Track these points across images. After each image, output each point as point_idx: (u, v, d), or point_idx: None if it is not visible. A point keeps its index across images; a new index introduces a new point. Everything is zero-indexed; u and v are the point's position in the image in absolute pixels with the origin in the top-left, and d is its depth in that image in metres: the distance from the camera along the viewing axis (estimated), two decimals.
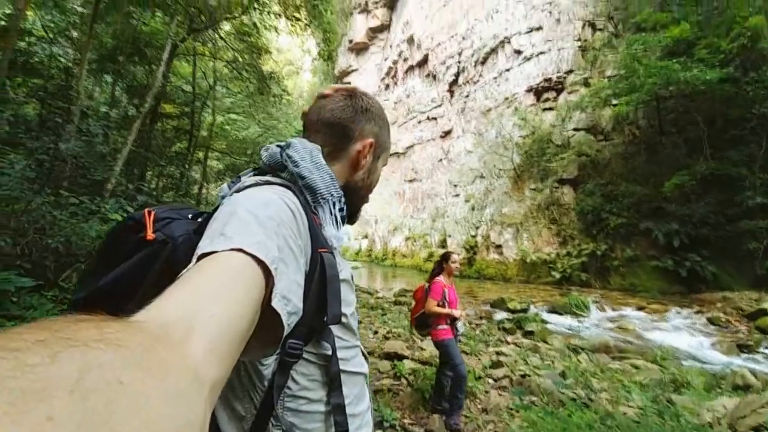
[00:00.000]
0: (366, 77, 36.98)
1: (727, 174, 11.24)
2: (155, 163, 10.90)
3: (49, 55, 9.28)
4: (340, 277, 0.67)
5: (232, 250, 0.44)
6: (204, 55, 13.74)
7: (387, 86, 34.35)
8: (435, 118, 27.17)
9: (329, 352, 0.64)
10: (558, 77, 18.00)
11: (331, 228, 0.67)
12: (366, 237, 31.57)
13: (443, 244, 21.25)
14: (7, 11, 10.09)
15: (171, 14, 9.33)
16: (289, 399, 0.61)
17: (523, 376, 4.37)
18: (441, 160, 25.80)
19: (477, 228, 18.94)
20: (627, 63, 12.86)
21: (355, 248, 31.90)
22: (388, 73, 33.92)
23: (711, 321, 8.47)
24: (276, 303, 0.45)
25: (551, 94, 18.43)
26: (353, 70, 38.13)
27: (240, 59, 13.14)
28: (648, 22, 12.96)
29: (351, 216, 0.81)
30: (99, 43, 9.95)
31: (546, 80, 18.39)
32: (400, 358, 4.43)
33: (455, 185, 22.14)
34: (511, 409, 3.45)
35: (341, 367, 0.65)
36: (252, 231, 0.48)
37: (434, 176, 26.23)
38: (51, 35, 9.54)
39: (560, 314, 9.73)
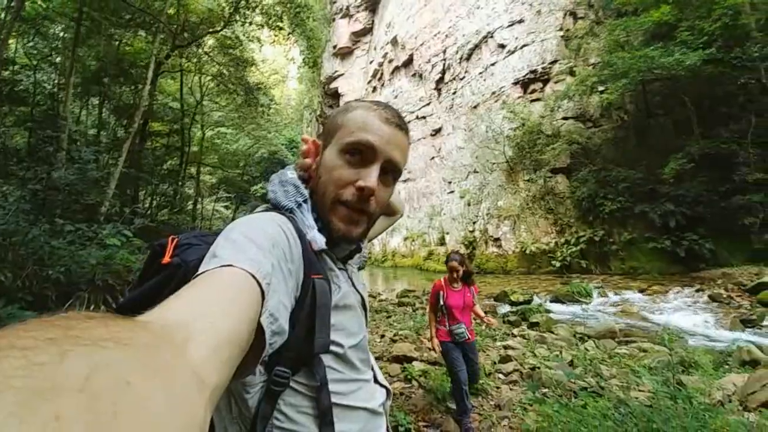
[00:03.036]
0: (352, 81, 36.97)
1: (718, 152, 11.32)
2: (147, 182, 10.86)
3: (33, 83, 9.23)
4: (343, 303, 0.68)
5: (222, 266, 0.45)
6: (190, 71, 13.73)
7: (374, 89, 34.37)
8: (424, 117, 27.21)
9: (318, 384, 0.61)
10: (543, 68, 18.10)
11: (309, 231, 0.66)
12: None
13: (442, 241, 21.27)
14: None
15: (153, 33, 9.30)
16: (278, 430, 0.59)
17: (532, 369, 4.39)
18: (433, 158, 25.84)
19: (474, 223, 18.98)
20: (610, 49, 12.95)
21: None
22: (374, 76, 33.93)
23: (712, 298, 8.53)
24: (263, 319, 0.46)
25: (538, 85, 18.52)
26: (339, 75, 38.11)
27: (226, 72, 13.14)
28: (629, 5, 13.03)
29: (330, 227, 0.68)
30: (83, 66, 9.90)
31: (531, 72, 18.48)
32: (409, 360, 4.43)
33: (449, 182, 22.17)
34: (524, 403, 3.46)
35: (335, 400, 0.63)
36: (244, 249, 0.49)
37: (428, 175, 26.25)
38: (34, 62, 9.47)
39: (564, 303, 9.77)
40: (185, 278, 0.56)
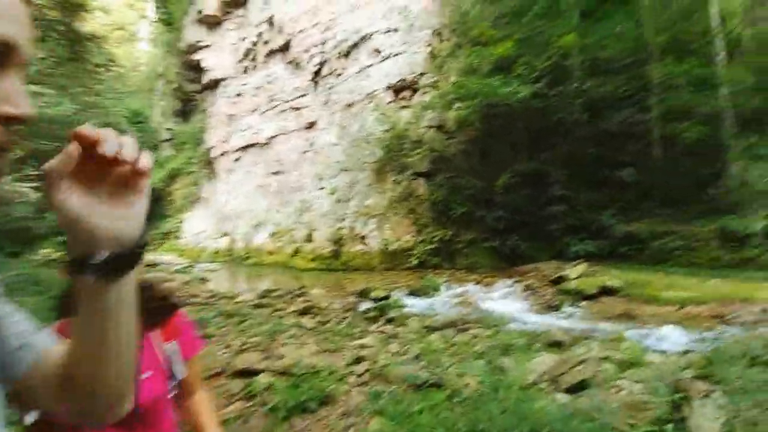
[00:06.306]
0: (221, 55, 33.08)
1: (539, 171, 14.19)
2: None
3: None
4: None
5: None
6: None
7: (246, 69, 31.52)
8: (299, 108, 26.24)
9: None
10: (413, 78, 19.44)
11: None
12: (225, 235, 28.64)
13: (309, 238, 20.88)
14: None
15: None
16: None
17: (383, 367, 4.47)
18: (306, 152, 25.15)
19: (343, 220, 19.19)
20: (466, 71, 14.71)
21: (213, 248, 28.66)
22: (246, 55, 31.10)
23: (527, 288, 10.44)
24: None
25: (407, 93, 19.80)
26: (205, 46, 33.61)
27: (47, 14, 9.97)
28: (483, 36, 15.04)
29: None
30: None
31: (402, 80, 19.65)
32: (255, 373, 3.97)
33: (321, 178, 21.94)
34: (372, 409, 3.44)
35: None
36: None
37: (300, 168, 25.43)
38: None
39: (418, 296, 10.58)
40: None
